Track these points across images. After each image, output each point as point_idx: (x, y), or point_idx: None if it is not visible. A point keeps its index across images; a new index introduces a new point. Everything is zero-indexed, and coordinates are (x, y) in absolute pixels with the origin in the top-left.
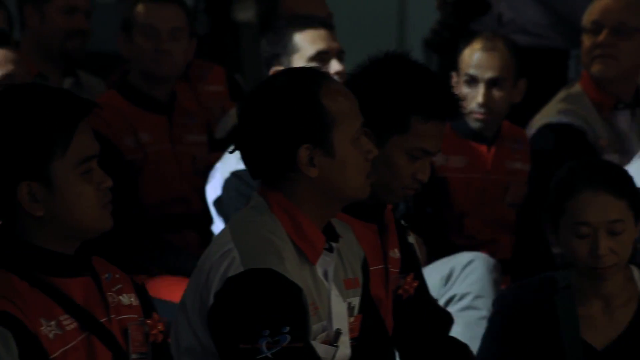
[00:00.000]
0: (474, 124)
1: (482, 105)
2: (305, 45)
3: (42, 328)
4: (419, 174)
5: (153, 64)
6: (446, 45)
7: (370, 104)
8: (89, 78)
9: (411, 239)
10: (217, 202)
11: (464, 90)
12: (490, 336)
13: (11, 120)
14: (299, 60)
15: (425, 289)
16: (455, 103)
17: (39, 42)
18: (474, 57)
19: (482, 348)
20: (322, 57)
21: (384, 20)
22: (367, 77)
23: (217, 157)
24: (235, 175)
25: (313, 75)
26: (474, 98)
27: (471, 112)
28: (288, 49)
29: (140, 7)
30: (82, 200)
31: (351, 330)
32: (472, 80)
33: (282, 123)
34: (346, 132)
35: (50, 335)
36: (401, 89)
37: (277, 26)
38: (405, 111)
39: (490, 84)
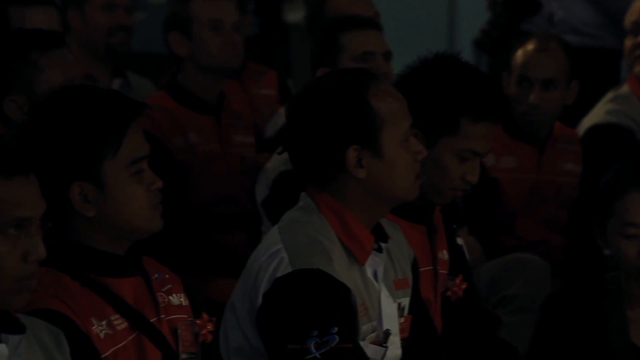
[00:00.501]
0: (526, 126)
1: (535, 106)
2: (352, 46)
3: (94, 327)
4: (468, 175)
5: (221, 57)
6: (496, 46)
7: (420, 105)
8: (138, 79)
9: (460, 240)
10: (266, 203)
11: (515, 90)
12: (540, 339)
13: (64, 121)
14: (345, 61)
15: (474, 290)
16: (505, 104)
17: (84, 42)
18: (528, 57)
19: (531, 351)
20: (368, 57)
21: (434, 21)
22: (417, 78)
23: (265, 158)
24: (283, 176)
25: (361, 76)
26: (527, 99)
27: (523, 114)
28: (335, 49)
29: (200, 3)
30: (133, 201)
31: (401, 330)
32: (525, 81)
33: (330, 124)
34: (395, 133)
35: (101, 335)
36: (451, 90)
37: (324, 26)
38: (455, 112)
39: (544, 85)
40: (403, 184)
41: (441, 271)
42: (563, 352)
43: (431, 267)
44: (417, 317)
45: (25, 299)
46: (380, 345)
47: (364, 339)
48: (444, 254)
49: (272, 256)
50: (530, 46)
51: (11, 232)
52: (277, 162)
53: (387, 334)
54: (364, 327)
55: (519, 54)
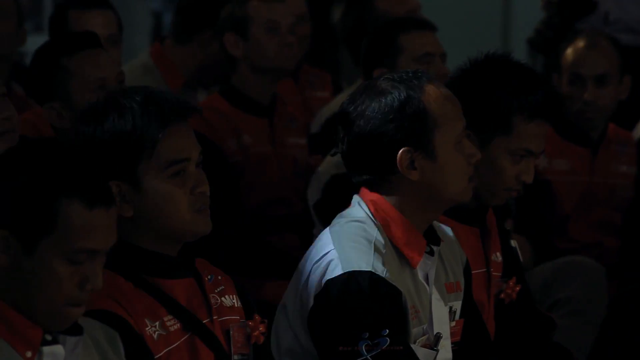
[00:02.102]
0: (582, 124)
1: (590, 103)
2: (412, 47)
3: (147, 328)
4: (522, 175)
5: (276, 59)
6: (550, 45)
7: (473, 105)
8: None
9: (514, 242)
10: (318, 206)
11: (568, 89)
12: (604, 341)
13: (105, 121)
14: (405, 62)
15: (528, 293)
16: (557, 101)
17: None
18: (578, 55)
19: (594, 353)
20: (428, 59)
21: (488, 21)
22: (469, 79)
23: (318, 160)
24: (335, 178)
25: (416, 78)
26: (581, 96)
27: (578, 112)
28: (393, 50)
29: (257, 4)
30: (169, 203)
31: (453, 334)
32: (578, 79)
33: (383, 125)
34: (448, 135)
35: (155, 336)
36: (503, 89)
37: (380, 27)
38: (508, 111)
39: (597, 81)
40: (456, 186)
41: (494, 273)
42: (630, 354)
43: (484, 270)
44: (469, 320)
45: (68, 324)
46: (431, 348)
47: (414, 342)
48: (497, 256)
49: (324, 258)
50: (579, 44)
51: (77, 260)
52: (329, 165)
53: (438, 337)
54: (415, 330)
55: (569, 52)
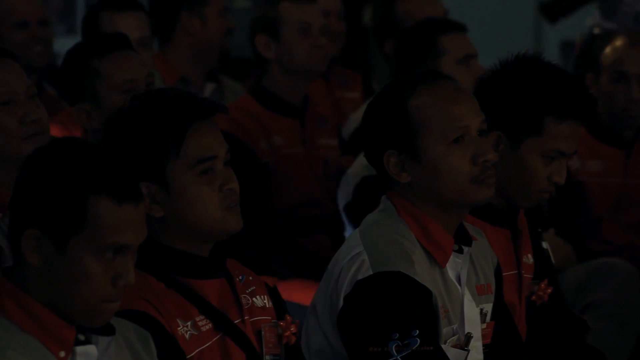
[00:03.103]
0: (624, 122)
1: (636, 100)
2: (453, 49)
3: (179, 328)
4: (555, 176)
5: (308, 60)
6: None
7: (503, 106)
8: (231, 83)
9: (545, 244)
10: (348, 208)
11: (610, 89)
12: None
13: (132, 123)
14: (446, 64)
15: (560, 295)
16: (589, 102)
17: (197, 46)
18: (620, 53)
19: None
20: (469, 60)
21: (520, 22)
22: (499, 80)
23: (349, 161)
24: (365, 180)
25: (412, 80)
26: (625, 95)
27: (622, 110)
28: (433, 52)
29: (288, 6)
30: (199, 201)
31: (483, 336)
32: (622, 77)
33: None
34: (435, 136)
35: (187, 336)
36: (533, 89)
37: (417, 29)
38: (539, 112)
39: None
40: (452, 188)
41: (526, 275)
42: None
43: (515, 272)
44: (500, 323)
45: (104, 321)
46: (462, 348)
47: (444, 342)
48: (528, 258)
49: (353, 259)
50: (619, 42)
51: (108, 256)
52: (359, 167)
53: (468, 337)
54: (445, 330)
55: (609, 51)
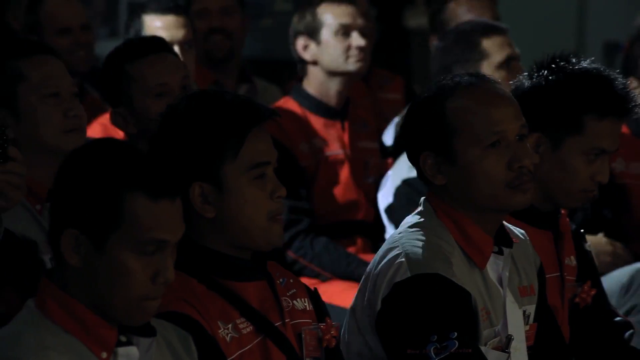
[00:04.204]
0: None
1: None
2: (494, 51)
3: (220, 331)
4: (598, 175)
5: (348, 61)
6: None
7: (542, 107)
8: (265, 85)
9: (588, 246)
10: (389, 210)
11: None
12: None
13: (189, 123)
14: (488, 66)
15: (604, 297)
16: (628, 97)
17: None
18: None
19: None
20: (510, 63)
21: (563, 24)
22: (536, 82)
23: (389, 164)
24: (406, 183)
25: (450, 83)
26: None
27: None
28: (475, 55)
29: (328, 8)
30: (251, 205)
31: (527, 338)
32: None
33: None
34: (470, 140)
35: (228, 338)
36: (572, 88)
37: (459, 31)
38: (579, 111)
39: None
40: (485, 192)
41: (568, 277)
42: None
43: (558, 274)
44: (543, 325)
45: (145, 319)
46: (503, 350)
47: (485, 344)
48: (571, 260)
49: (391, 261)
50: None
51: (147, 252)
52: (399, 170)
53: (509, 339)
54: (485, 332)
55: None
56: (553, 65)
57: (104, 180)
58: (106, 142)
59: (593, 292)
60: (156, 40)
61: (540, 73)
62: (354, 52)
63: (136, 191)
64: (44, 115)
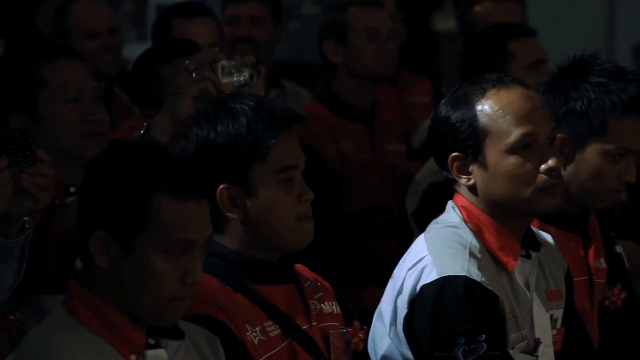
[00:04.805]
0: None
1: None
2: (522, 54)
3: (248, 334)
4: (624, 174)
5: (376, 65)
6: None
7: (565, 109)
8: (294, 88)
9: (619, 248)
10: (416, 214)
11: None
12: None
13: (218, 124)
14: (516, 69)
15: (635, 300)
16: None
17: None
18: None
19: None
20: (539, 66)
21: (592, 27)
22: (558, 84)
23: (417, 166)
24: (434, 186)
25: (480, 84)
26: None
27: None
28: (503, 57)
29: (356, 11)
30: (279, 208)
31: (554, 342)
32: None
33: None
34: (500, 142)
35: (255, 341)
36: (593, 89)
37: (487, 34)
38: (601, 111)
39: None
40: (514, 195)
41: (598, 280)
42: None
43: (587, 277)
44: (570, 329)
45: (175, 319)
46: (531, 354)
47: (512, 348)
48: (601, 263)
49: (418, 264)
50: None
51: (175, 253)
52: (427, 173)
53: (537, 343)
54: (513, 336)
55: None
56: (573, 67)
57: (131, 181)
58: (132, 144)
59: (623, 295)
60: (188, 43)
61: (561, 76)
62: (382, 55)
63: (162, 192)
64: (63, 121)
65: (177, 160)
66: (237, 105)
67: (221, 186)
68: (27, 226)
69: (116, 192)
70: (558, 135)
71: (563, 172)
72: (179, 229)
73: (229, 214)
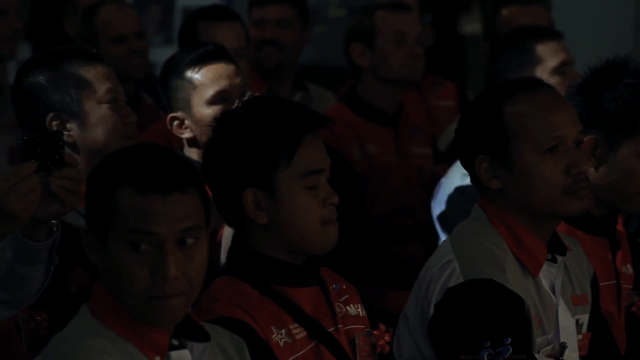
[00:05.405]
0: None
1: None
2: (549, 57)
3: (274, 336)
4: None
5: (403, 69)
6: None
7: (597, 111)
8: (319, 91)
9: None
10: (442, 218)
11: None
12: None
13: (243, 129)
14: (542, 72)
15: None
16: None
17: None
18: None
19: None
20: (565, 68)
21: (621, 29)
22: (590, 86)
23: (442, 170)
24: (459, 190)
25: (508, 87)
26: None
27: None
28: (529, 60)
29: (384, 15)
30: (304, 212)
31: (580, 347)
32: None
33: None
34: (528, 145)
35: (281, 344)
36: (624, 90)
37: (513, 37)
38: (632, 112)
39: None
40: (542, 198)
41: (625, 286)
42: None
43: (614, 282)
44: (596, 334)
45: (168, 319)
46: (557, 358)
47: (538, 352)
48: (628, 268)
49: (444, 267)
50: None
51: (141, 248)
52: (453, 177)
53: (563, 347)
54: (538, 340)
55: None
56: (605, 70)
57: (100, 180)
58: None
59: None
60: (217, 48)
61: (594, 78)
62: (409, 60)
63: (124, 185)
64: (108, 122)
65: (146, 156)
66: (262, 108)
67: (246, 189)
68: (55, 229)
69: (91, 189)
70: (591, 136)
71: (593, 174)
72: (138, 220)
73: (254, 218)
